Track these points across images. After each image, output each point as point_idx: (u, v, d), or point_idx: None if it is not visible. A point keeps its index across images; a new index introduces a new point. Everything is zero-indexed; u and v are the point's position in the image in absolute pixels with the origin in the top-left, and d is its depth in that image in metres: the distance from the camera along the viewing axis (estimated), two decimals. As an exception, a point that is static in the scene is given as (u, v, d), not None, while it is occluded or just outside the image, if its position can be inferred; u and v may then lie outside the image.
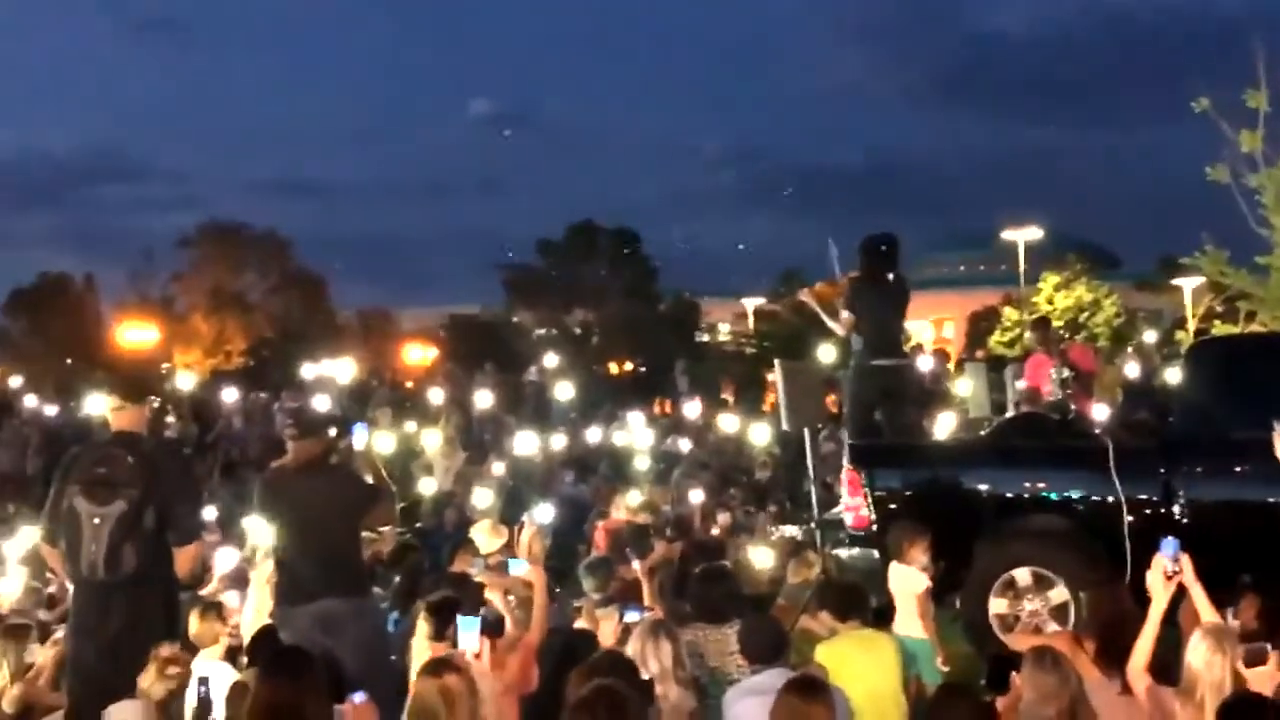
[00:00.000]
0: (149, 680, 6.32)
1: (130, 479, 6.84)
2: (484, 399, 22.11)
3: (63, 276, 58.78)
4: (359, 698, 6.27)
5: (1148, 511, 9.33)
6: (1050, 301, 44.99)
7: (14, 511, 15.06)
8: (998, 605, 9.42)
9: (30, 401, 25.25)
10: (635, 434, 19.77)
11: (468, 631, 6.76)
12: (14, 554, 10.31)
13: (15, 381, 29.63)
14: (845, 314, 11.73)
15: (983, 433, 12.61)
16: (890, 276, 11.80)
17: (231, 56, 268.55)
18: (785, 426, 12.73)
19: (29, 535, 10.08)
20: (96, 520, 6.83)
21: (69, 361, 48.75)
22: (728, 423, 21.40)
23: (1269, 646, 6.26)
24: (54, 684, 8.10)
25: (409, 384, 33.23)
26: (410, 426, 18.88)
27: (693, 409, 23.62)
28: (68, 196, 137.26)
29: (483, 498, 12.58)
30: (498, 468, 17.07)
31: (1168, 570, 6.79)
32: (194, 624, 8.20)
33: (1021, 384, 13.92)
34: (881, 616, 8.11)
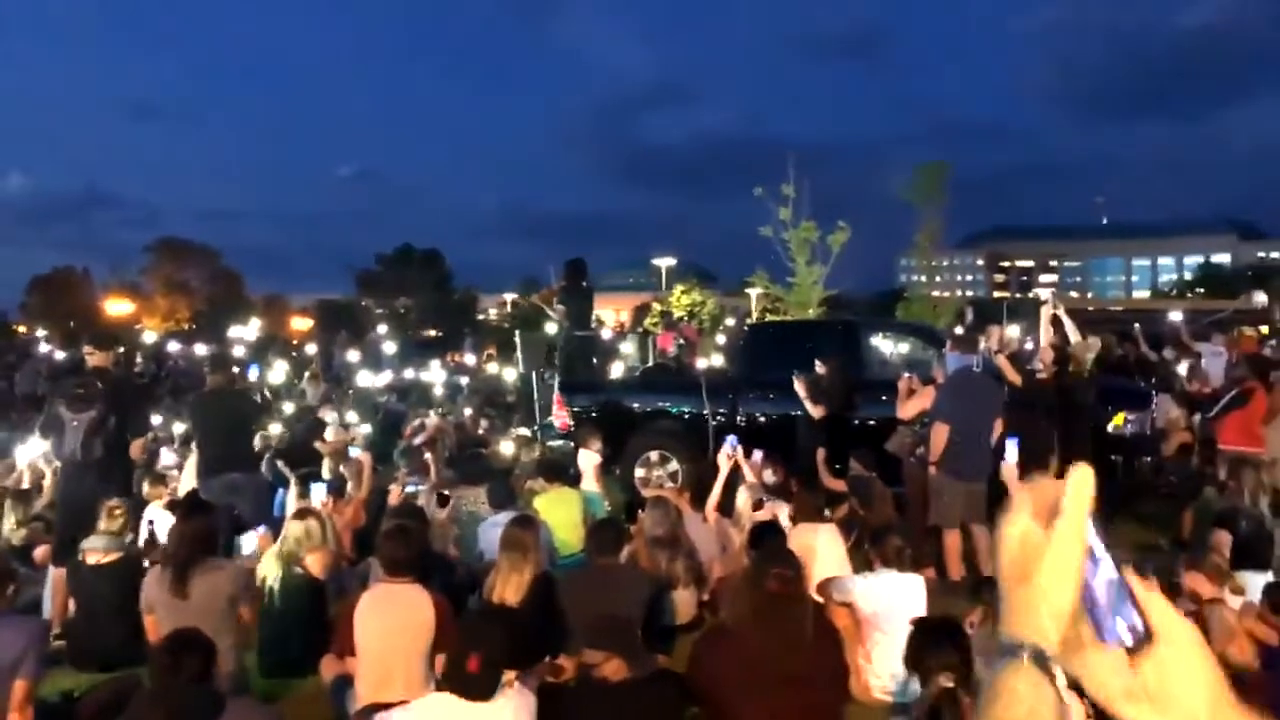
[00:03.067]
0: (103, 521, 5.96)
1: (97, 397, 6.45)
2: (340, 352, 21.58)
3: (68, 268, 57.17)
4: (261, 529, 6.07)
5: (721, 419, 9.55)
6: (678, 301, 46.00)
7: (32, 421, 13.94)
8: (640, 473, 9.61)
9: (44, 348, 23.98)
10: (434, 373, 19.62)
11: (317, 491, 6.61)
12: (31, 448, 9.53)
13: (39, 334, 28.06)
14: (560, 307, 11.79)
15: (636, 375, 12.83)
16: (583, 284, 11.87)
17: (189, 131, 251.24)
18: (522, 370, 12.73)
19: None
20: (75, 423, 6.43)
21: (70, 323, 45.54)
22: (491, 369, 21.35)
23: (768, 498, 6.60)
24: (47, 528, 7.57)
25: (295, 342, 32.01)
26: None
27: (470, 359, 23.43)
28: (70, 216, 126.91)
29: (330, 414, 12.12)
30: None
31: (729, 454, 7.07)
32: (146, 487, 7.77)
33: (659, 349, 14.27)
34: (573, 480, 8.14)
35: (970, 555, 7.11)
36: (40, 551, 7.28)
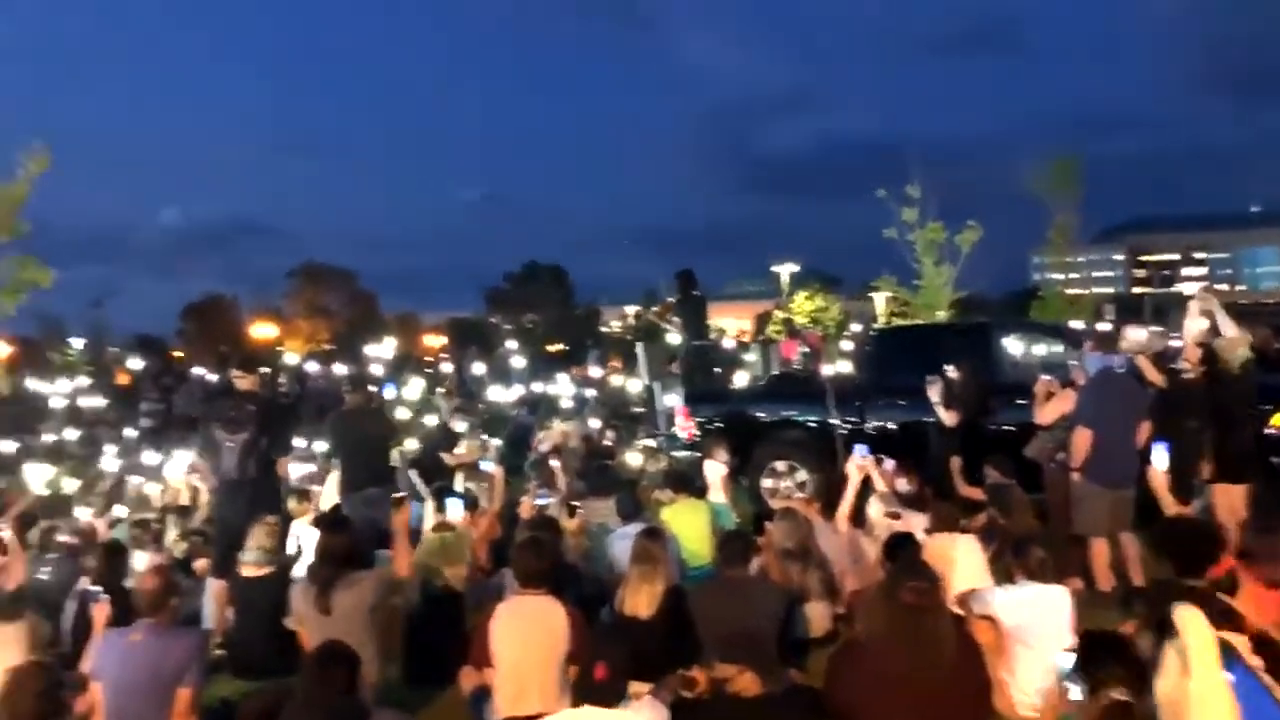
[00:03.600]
0: (257, 536, 6.25)
1: (249, 419, 6.79)
2: (471, 368, 22.16)
3: (218, 295, 59.72)
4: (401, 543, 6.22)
5: (850, 428, 9.38)
6: (801, 307, 45.55)
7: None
8: (767, 483, 9.53)
9: (198, 371, 25.18)
10: (561, 386, 19.92)
11: (454, 506, 6.77)
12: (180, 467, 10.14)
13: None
14: (676, 319, 11.86)
15: (760, 384, 12.75)
16: (695, 293, 11.86)
17: (328, 161, 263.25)
18: (645, 382, 12.81)
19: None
20: (230, 444, 6.78)
21: (221, 347, 48.10)
22: (615, 380, 21.54)
23: (901, 508, 6.41)
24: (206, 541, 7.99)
25: (428, 359, 33.04)
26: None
27: (596, 372, 23.70)
28: (219, 246, 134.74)
29: (463, 425, 12.43)
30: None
31: (859, 463, 6.93)
32: (292, 503, 8.12)
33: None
34: (700, 491, 8.12)
35: (1119, 564, 6.77)
36: (200, 564, 7.71)
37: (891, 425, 9.39)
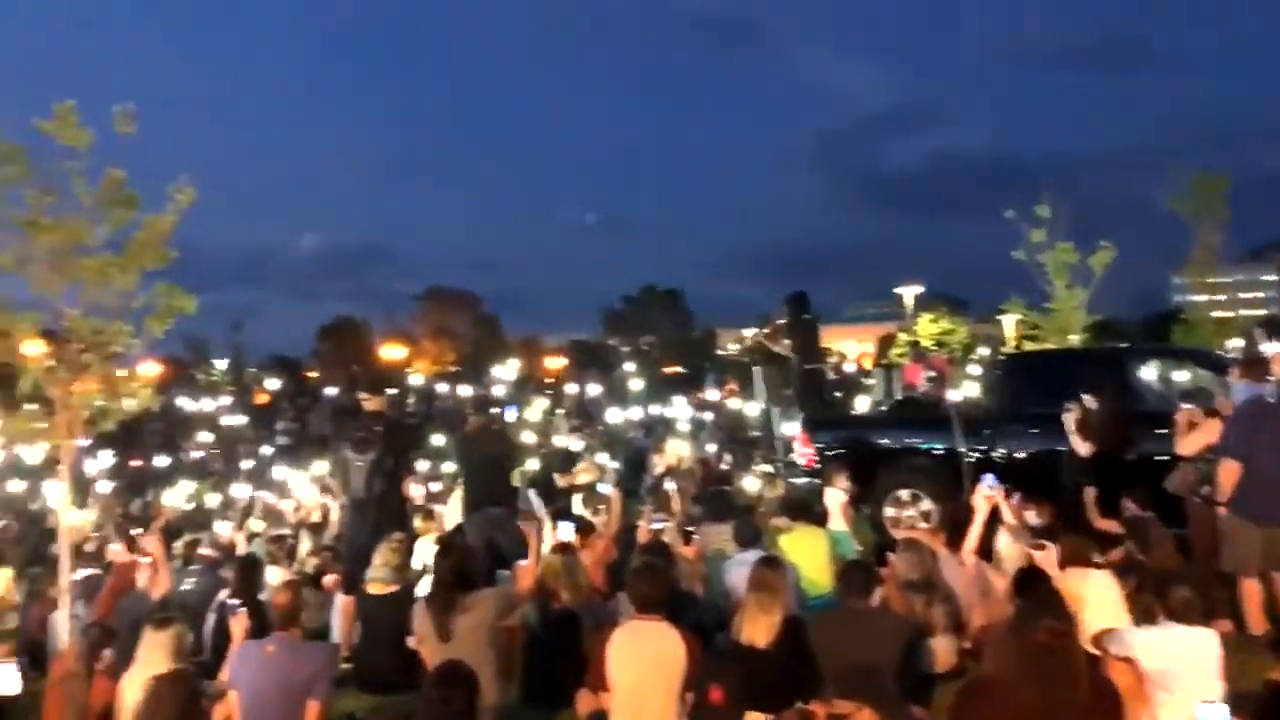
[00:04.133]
0: (383, 554, 6.41)
1: (376, 440, 7.00)
2: (591, 389, 22.39)
3: (349, 317, 61.91)
4: (522, 562, 6.33)
5: (977, 456, 9.09)
6: (926, 330, 44.47)
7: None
8: (890, 512, 9.30)
9: (331, 391, 26.27)
10: (678, 409, 19.93)
11: (565, 529, 6.83)
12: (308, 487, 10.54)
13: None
14: (786, 341, 11.64)
15: (882, 409, 12.50)
16: (805, 316, 11.63)
17: (453, 186, 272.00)
18: (763, 406, 12.71)
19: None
20: (359, 464, 7.00)
21: (354, 368, 49.95)
22: (733, 404, 21.45)
23: (1045, 543, 6.12)
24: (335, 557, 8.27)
25: (549, 381, 33.57)
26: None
27: (713, 395, 23.65)
28: (351, 270, 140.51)
29: (579, 446, 12.56)
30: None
31: (987, 494, 6.68)
32: (418, 522, 8.33)
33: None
34: (819, 518, 7.97)
35: (1272, 606, 6.34)
36: (329, 580, 7.98)
37: (1021, 454, 9.07)
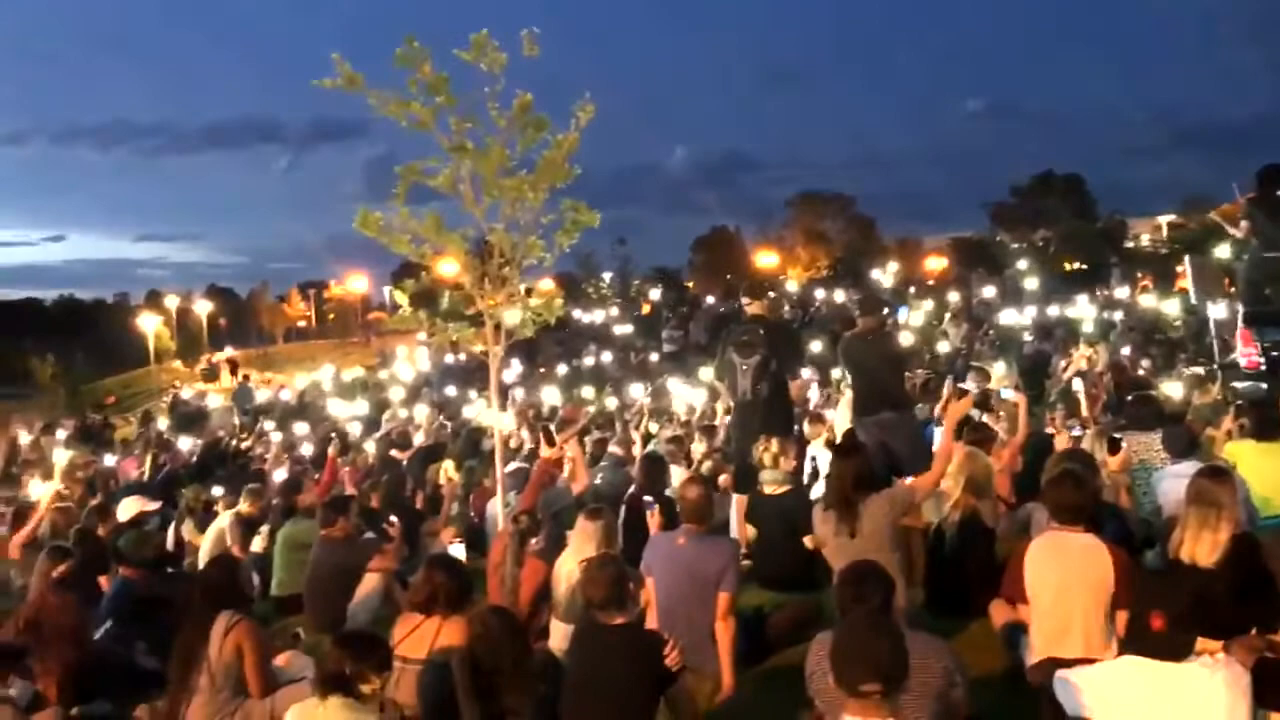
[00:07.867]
0: (766, 456, 6.64)
1: (760, 343, 7.13)
2: (981, 291, 21.48)
3: (722, 228, 63.76)
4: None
5: None
6: None
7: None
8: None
9: (709, 300, 27.47)
10: (1081, 309, 18.48)
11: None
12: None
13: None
14: (1244, 223, 10.17)
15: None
16: (1278, 194, 10.05)
17: (818, 89, 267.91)
18: (1193, 301, 11.41)
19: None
20: (744, 367, 7.17)
21: (728, 277, 51.55)
22: (1146, 300, 19.60)
23: None
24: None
25: (930, 283, 32.55)
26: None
27: (1122, 292, 21.72)
28: (720, 181, 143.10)
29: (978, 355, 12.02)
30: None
31: None
32: (806, 426, 8.47)
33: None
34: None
35: None
36: (723, 479, 8.38)
37: None
